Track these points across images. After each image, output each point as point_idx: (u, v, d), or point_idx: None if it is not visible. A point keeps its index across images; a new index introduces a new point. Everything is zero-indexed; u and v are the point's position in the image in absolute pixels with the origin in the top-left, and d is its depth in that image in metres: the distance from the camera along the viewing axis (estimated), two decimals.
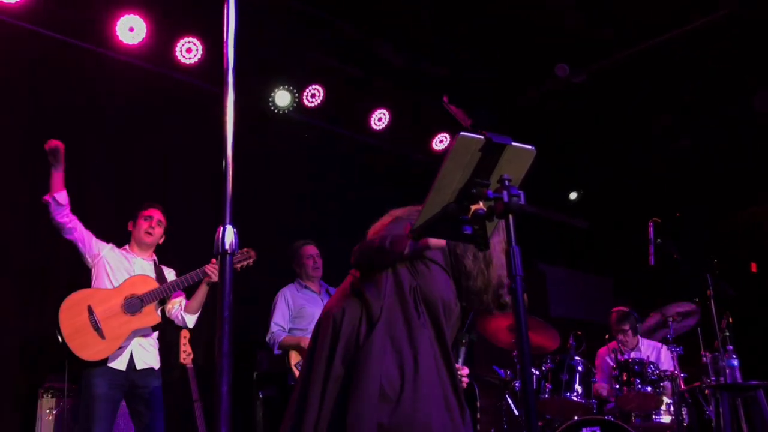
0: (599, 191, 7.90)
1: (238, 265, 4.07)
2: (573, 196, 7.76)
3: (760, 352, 7.79)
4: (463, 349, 2.76)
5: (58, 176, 3.81)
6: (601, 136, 7.08)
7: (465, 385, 2.63)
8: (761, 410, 4.24)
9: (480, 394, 6.84)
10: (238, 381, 5.13)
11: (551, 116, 6.74)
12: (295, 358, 4.55)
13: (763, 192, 8.70)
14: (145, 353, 3.95)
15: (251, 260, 4.13)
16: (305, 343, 4.44)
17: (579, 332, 5.10)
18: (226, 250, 1.51)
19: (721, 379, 4.40)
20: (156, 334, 4.08)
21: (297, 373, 4.45)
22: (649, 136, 7.06)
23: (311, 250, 4.87)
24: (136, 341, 3.90)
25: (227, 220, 1.54)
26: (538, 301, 7.56)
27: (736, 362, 4.41)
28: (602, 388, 5.23)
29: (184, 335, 4.29)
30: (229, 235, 1.53)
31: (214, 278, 3.96)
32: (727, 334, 4.75)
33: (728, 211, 9.10)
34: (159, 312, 3.99)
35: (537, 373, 4.90)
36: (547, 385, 4.82)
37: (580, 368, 4.83)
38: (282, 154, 5.99)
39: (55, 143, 3.76)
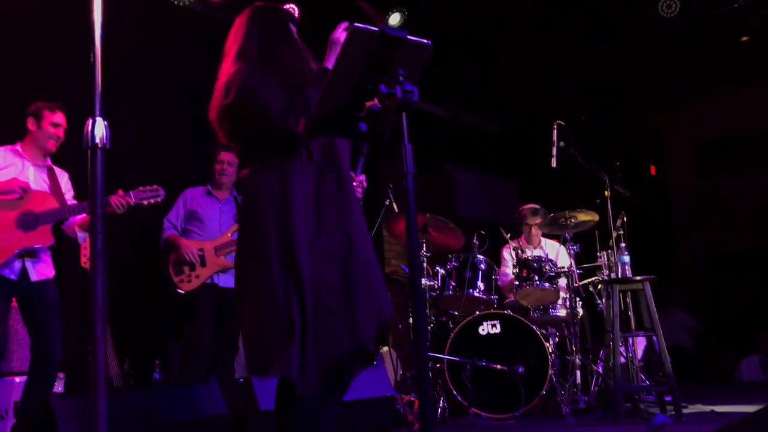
0: (509, 94, 7.97)
1: (146, 202, 3.85)
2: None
3: (651, 249, 8.29)
4: (361, 158, 2.78)
5: None
6: (512, 38, 7.07)
7: (361, 193, 2.65)
8: (647, 302, 4.53)
9: (389, 292, 7.04)
10: (145, 286, 5.03)
11: (462, 17, 6.65)
12: (174, 255, 4.46)
13: (666, 97, 9.02)
14: (40, 263, 3.75)
15: (159, 198, 3.91)
16: (179, 241, 4.44)
17: (483, 232, 5.26)
18: (96, 145, 1.43)
19: (613, 274, 4.65)
20: None
21: (171, 270, 4.40)
22: (557, 40, 7.09)
23: (224, 156, 4.73)
24: (28, 253, 3.68)
25: (97, 112, 1.45)
26: (446, 203, 7.70)
27: (627, 258, 4.65)
28: (505, 277, 5.48)
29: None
30: (100, 128, 1.44)
31: (119, 212, 3.76)
32: (622, 232, 4.99)
33: (632, 116, 9.43)
34: (53, 233, 3.76)
35: (442, 271, 5.05)
36: (452, 283, 5.00)
37: (482, 266, 5.01)
38: (183, 50, 5.67)
39: None
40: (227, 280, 4.46)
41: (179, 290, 4.39)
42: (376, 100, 2.06)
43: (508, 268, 5.63)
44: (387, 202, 4.96)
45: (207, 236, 4.52)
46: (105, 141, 1.44)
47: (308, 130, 2.15)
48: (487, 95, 7.90)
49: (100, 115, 1.44)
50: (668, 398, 4.54)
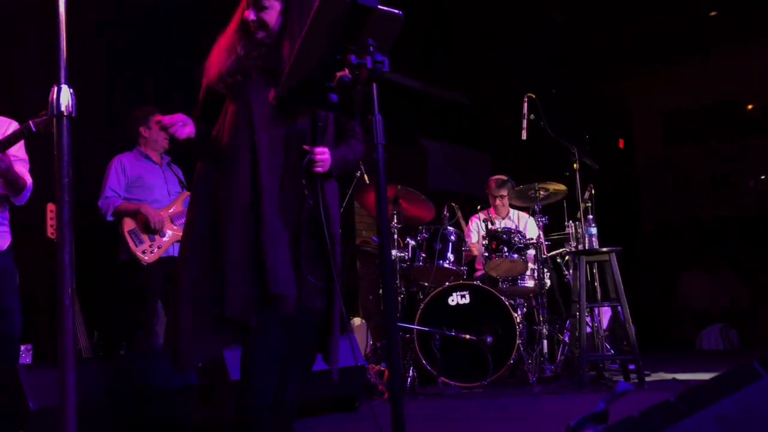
0: (479, 65, 7.97)
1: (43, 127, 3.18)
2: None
3: (618, 221, 8.43)
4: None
5: None
6: (483, 13, 7.06)
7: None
8: (612, 273, 4.61)
9: (359, 263, 7.07)
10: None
11: None
12: (128, 225, 4.21)
13: (635, 69, 9.10)
14: None
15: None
16: (145, 209, 4.19)
17: (453, 203, 5.29)
18: (62, 113, 1.41)
19: (580, 246, 4.72)
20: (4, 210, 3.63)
21: (129, 240, 4.17)
22: (527, 13, 7.10)
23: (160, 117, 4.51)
24: None
25: (62, 79, 1.42)
26: (417, 174, 7.72)
27: (594, 230, 4.72)
28: (473, 246, 5.50)
29: (51, 209, 4.03)
30: (65, 95, 1.41)
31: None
32: (589, 204, 5.07)
33: (602, 88, 9.50)
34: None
35: (413, 242, 5.07)
36: (422, 254, 5.02)
37: (452, 238, 5.04)
38: (149, 14, 5.45)
39: None
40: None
41: (142, 263, 4.22)
42: (346, 71, 2.05)
43: (472, 239, 5.66)
44: (358, 174, 4.94)
45: (156, 204, 4.30)
46: (71, 109, 1.42)
47: (278, 100, 2.14)
48: (456, 67, 7.89)
49: (65, 83, 1.42)
50: (632, 367, 4.66)
